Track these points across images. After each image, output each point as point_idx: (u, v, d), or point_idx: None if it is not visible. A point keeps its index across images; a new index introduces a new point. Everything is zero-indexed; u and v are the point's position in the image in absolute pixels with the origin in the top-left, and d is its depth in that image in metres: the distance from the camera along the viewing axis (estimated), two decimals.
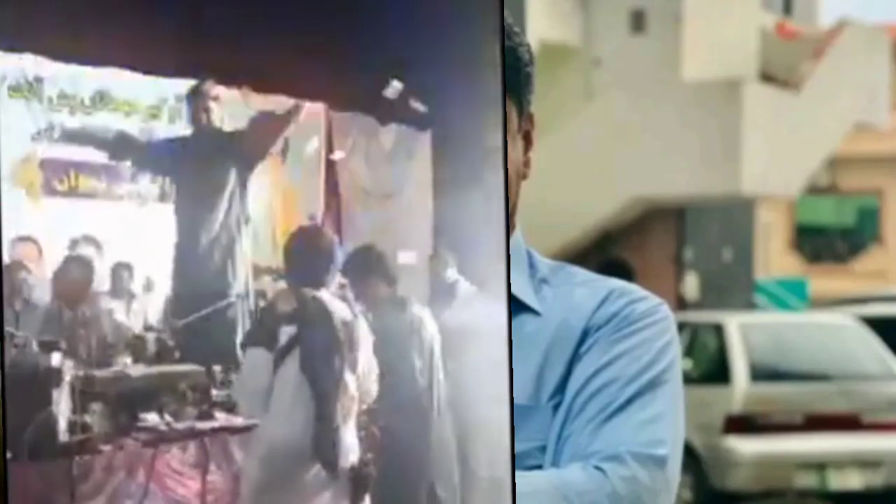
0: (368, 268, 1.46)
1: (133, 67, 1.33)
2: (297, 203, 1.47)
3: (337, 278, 1.45)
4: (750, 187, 18.62)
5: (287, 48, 1.31)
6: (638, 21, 19.66)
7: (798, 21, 23.71)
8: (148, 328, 1.38)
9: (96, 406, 1.34)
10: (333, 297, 1.46)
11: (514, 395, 1.31)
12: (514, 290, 1.58)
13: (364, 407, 1.44)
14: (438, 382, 1.42)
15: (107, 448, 1.35)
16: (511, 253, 1.32)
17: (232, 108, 1.38)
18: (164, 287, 1.37)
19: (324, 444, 1.44)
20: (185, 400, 1.41)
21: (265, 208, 1.43)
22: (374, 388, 1.45)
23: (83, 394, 1.33)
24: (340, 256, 1.46)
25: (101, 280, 1.34)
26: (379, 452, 1.42)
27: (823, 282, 26.47)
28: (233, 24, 1.28)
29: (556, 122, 17.63)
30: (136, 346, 1.38)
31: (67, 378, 1.32)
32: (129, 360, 1.37)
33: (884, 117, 22.17)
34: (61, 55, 1.29)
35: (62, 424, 1.30)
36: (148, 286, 1.37)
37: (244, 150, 1.42)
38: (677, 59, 19.38)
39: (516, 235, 1.95)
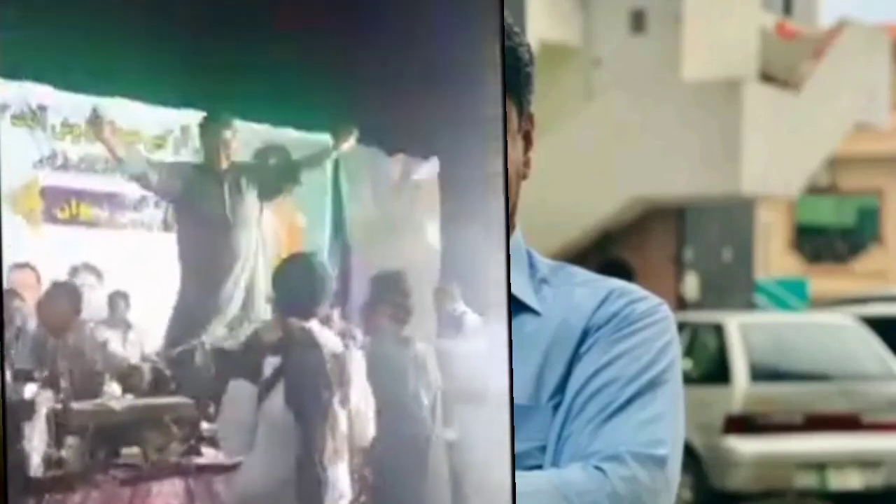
0: (386, 295, 1.41)
1: (138, 97, 1.32)
2: (303, 235, 1.45)
3: (328, 309, 1.41)
4: (750, 187, 18.62)
5: (294, 75, 1.31)
6: (638, 21, 19.65)
7: (798, 21, 23.70)
8: (144, 359, 1.35)
9: (73, 440, 1.29)
10: (323, 328, 1.40)
11: (514, 395, 1.31)
12: (514, 290, 1.58)
13: (359, 446, 1.38)
14: (438, 421, 1.39)
15: (82, 486, 1.29)
16: (511, 253, 1.32)
17: (243, 140, 1.37)
18: (163, 317, 1.35)
19: (308, 486, 1.37)
20: (169, 434, 1.35)
21: (270, 239, 1.41)
22: (370, 426, 1.39)
23: (60, 427, 1.28)
24: (333, 286, 1.42)
25: (99, 309, 1.32)
26: (374, 495, 1.37)
27: (823, 282, 26.46)
28: (237, 54, 1.28)
29: (556, 122, 17.62)
30: (129, 377, 1.34)
31: (43, 410, 1.27)
32: (117, 391, 1.33)
33: (884, 117, 22.16)
34: (65, 84, 1.28)
35: (35, 459, 1.25)
36: (147, 316, 1.35)
37: (253, 182, 1.40)
38: (677, 59, 19.37)
39: (516, 235, 1.95)
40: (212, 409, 1.36)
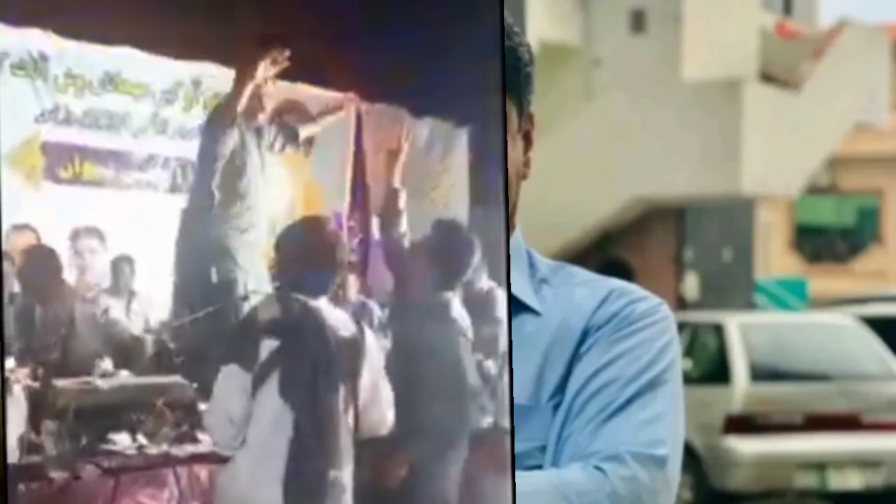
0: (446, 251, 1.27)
1: (147, 48, 1.23)
2: (321, 199, 1.34)
3: (341, 282, 1.27)
4: (750, 187, 18.62)
5: (311, 35, 1.24)
6: (638, 21, 19.65)
7: (798, 21, 23.70)
8: (148, 330, 1.25)
9: (52, 424, 1.17)
10: (334, 308, 1.25)
11: (514, 395, 1.31)
12: (514, 290, 1.58)
13: (369, 445, 1.25)
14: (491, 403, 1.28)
15: (60, 475, 1.16)
16: (511, 253, 1.32)
17: (262, 96, 1.28)
18: (170, 285, 1.25)
19: (302, 491, 1.24)
20: (162, 419, 1.22)
21: (286, 204, 1.31)
22: (387, 416, 1.26)
23: (38, 407, 1.16)
24: (346, 257, 1.27)
25: (101, 274, 1.23)
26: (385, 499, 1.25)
27: (823, 282, 26.46)
28: (256, 7, 1.21)
29: (556, 122, 17.62)
30: (130, 350, 1.24)
31: (17, 389, 1.15)
32: (109, 367, 1.23)
33: (884, 117, 22.16)
34: (70, 32, 1.19)
35: (10, 443, 1.12)
36: (152, 284, 1.26)
37: (267, 140, 1.31)
38: (677, 59, 19.37)
39: (516, 235, 1.95)
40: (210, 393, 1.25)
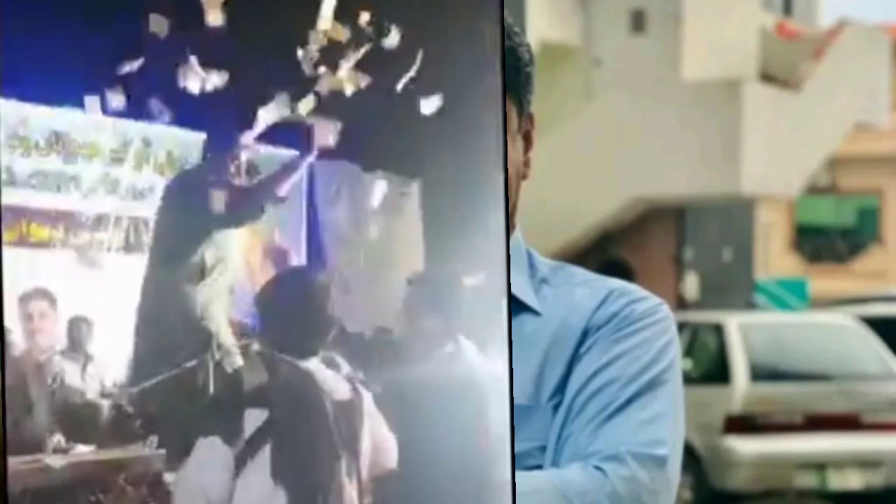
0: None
1: (94, 108, 1.20)
2: (279, 257, 1.29)
3: (332, 343, 1.16)
4: (750, 187, 18.62)
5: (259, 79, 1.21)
6: (638, 21, 19.65)
7: (798, 21, 23.70)
8: (104, 394, 1.17)
9: None
10: (325, 368, 1.15)
11: (514, 395, 1.31)
12: (514, 290, 1.58)
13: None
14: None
15: None
16: (511, 253, 1.32)
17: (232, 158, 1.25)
18: (128, 346, 1.19)
19: None
20: (124, 498, 1.11)
21: (242, 260, 1.25)
22: (395, 481, 1.17)
23: None
24: (336, 311, 1.18)
25: (53, 338, 1.17)
26: None
27: (823, 282, 26.47)
28: (204, 61, 1.20)
29: (556, 122, 17.62)
30: (84, 417, 1.15)
31: None
32: (61, 442, 1.14)
33: (884, 117, 22.16)
34: (10, 92, 1.16)
35: None
36: (107, 346, 1.19)
37: (224, 200, 1.26)
38: (677, 59, 19.37)
39: (516, 235, 1.95)
40: (181, 466, 1.14)
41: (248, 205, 1.26)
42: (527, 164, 1.93)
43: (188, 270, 1.22)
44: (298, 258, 1.27)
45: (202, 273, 1.22)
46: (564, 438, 1.84)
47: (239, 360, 1.18)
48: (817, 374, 12.66)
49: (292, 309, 1.20)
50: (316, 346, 1.17)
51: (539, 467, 1.83)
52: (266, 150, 1.27)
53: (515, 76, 1.87)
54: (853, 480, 12.20)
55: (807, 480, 12.13)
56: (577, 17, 19.66)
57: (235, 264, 1.24)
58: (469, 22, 1.28)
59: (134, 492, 1.13)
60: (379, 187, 1.28)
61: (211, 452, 1.14)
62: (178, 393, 1.16)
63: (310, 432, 1.16)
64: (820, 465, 12.11)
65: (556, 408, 1.86)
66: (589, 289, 1.93)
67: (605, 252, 19.24)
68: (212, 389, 1.17)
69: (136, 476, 1.14)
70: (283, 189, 1.28)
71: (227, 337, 1.20)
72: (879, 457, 12.24)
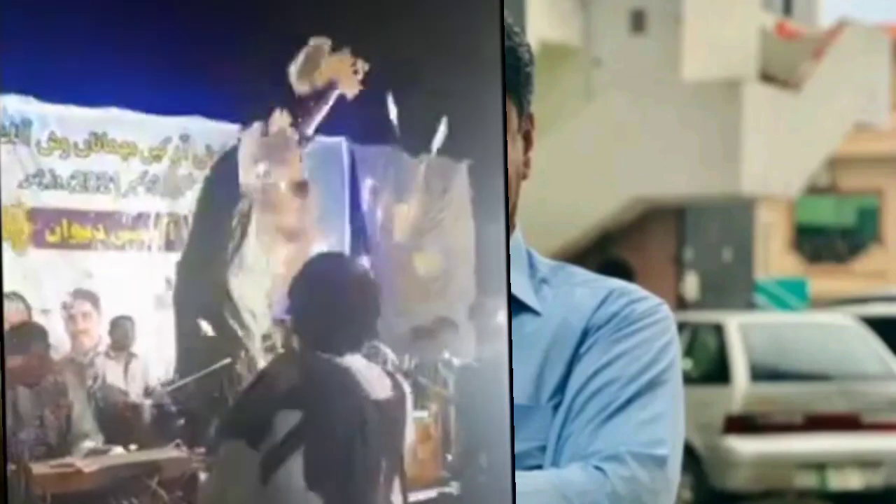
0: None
1: (131, 106, 1.21)
2: (318, 248, 1.26)
3: (375, 336, 1.06)
4: (750, 187, 18.62)
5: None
6: (638, 21, 19.65)
7: (798, 21, 23.70)
8: (148, 393, 1.15)
9: None
10: (370, 365, 1.06)
11: (514, 395, 1.31)
12: (514, 290, 1.58)
13: None
14: None
15: None
16: (511, 253, 1.32)
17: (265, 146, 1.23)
18: (169, 345, 1.18)
19: None
20: (156, 500, 1.06)
21: (279, 253, 1.23)
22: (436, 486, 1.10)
23: (9, 500, 1.04)
24: (380, 303, 1.09)
25: (95, 339, 1.16)
26: None
27: (823, 282, 26.47)
28: (240, 57, 1.20)
29: (556, 122, 17.62)
30: (127, 419, 1.12)
31: None
32: (99, 443, 1.11)
33: (884, 117, 22.16)
34: (51, 95, 1.17)
35: None
36: (149, 345, 1.19)
37: (260, 190, 1.25)
38: (677, 59, 19.36)
39: (516, 235, 1.95)
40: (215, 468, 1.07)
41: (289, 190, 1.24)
42: (527, 164, 1.93)
43: (226, 263, 1.21)
44: (341, 247, 1.23)
45: (240, 266, 1.21)
46: (564, 438, 1.84)
47: (274, 358, 1.13)
48: (817, 374, 12.65)
49: (332, 302, 1.14)
50: (359, 340, 1.09)
51: (539, 467, 1.83)
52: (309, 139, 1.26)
53: (515, 76, 1.87)
54: (853, 480, 12.20)
55: (807, 480, 12.13)
56: (577, 17, 19.65)
57: (276, 256, 1.22)
58: (469, 22, 1.28)
59: (168, 496, 1.10)
60: (423, 170, 1.27)
61: (237, 456, 1.08)
62: (215, 391, 1.13)
63: (347, 435, 1.09)
64: (820, 465, 12.11)
65: (556, 408, 1.86)
66: (589, 289, 1.93)
67: (605, 252, 19.23)
68: (247, 388, 1.13)
69: (170, 479, 1.10)
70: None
71: (264, 332, 1.17)
72: (879, 457, 12.24)
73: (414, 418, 1.11)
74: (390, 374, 1.11)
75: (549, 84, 16.33)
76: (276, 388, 1.08)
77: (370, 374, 1.08)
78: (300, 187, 1.26)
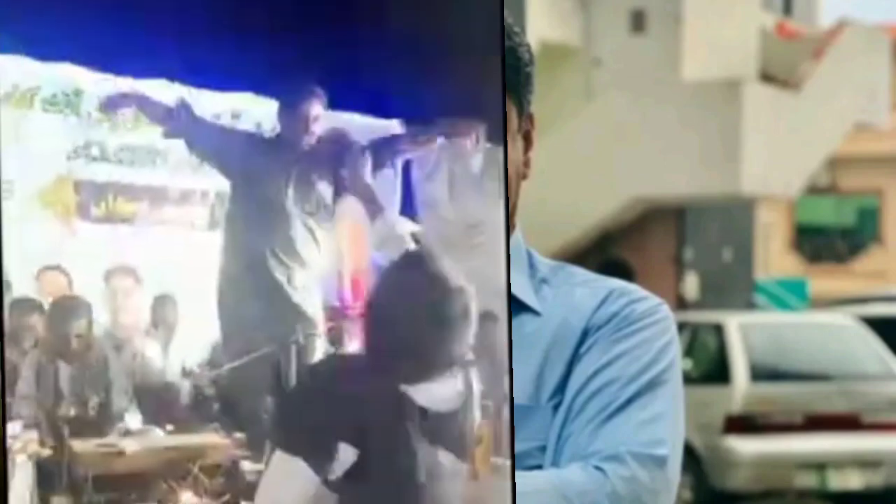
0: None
1: (183, 78, 1.17)
2: (367, 239, 1.22)
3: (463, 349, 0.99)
4: (750, 187, 18.62)
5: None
6: (638, 21, 19.65)
7: (798, 21, 23.70)
8: (186, 373, 1.11)
9: (63, 499, 1.00)
10: (451, 379, 0.98)
11: (514, 395, 1.31)
12: (514, 290, 1.58)
13: None
14: None
15: None
16: (511, 253, 1.32)
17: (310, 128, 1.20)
18: (211, 326, 1.14)
19: None
20: (197, 487, 1.02)
21: (330, 243, 1.20)
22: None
23: (48, 477, 1.00)
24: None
25: (136, 317, 1.13)
26: None
27: (823, 282, 26.47)
28: (295, 36, 1.17)
29: (556, 122, 17.62)
30: (165, 399, 1.08)
31: (23, 457, 0.99)
32: (137, 422, 1.08)
33: (884, 117, 22.16)
34: (103, 65, 1.13)
35: None
36: (191, 325, 1.15)
37: (314, 175, 1.21)
38: (677, 59, 19.36)
39: (516, 235, 1.95)
40: (262, 454, 1.03)
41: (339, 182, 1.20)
42: (527, 164, 1.93)
43: (279, 249, 1.17)
44: (391, 241, 1.19)
45: (295, 253, 1.17)
46: (564, 438, 1.84)
47: (324, 352, 1.09)
48: (817, 374, 12.65)
49: (422, 327, 1.06)
50: (455, 351, 1.01)
51: (539, 467, 1.83)
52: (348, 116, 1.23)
53: (515, 76, 1.87)
54: (853, 480, 12.20)
55: (807, 480, 12.12)
56: (577, 17, 19.65)
57: (331, 245, 1.18)
58: (469, 22, 1.28)
59: (209, 482, 1.06)
60: (479, 159, 1.23)
61: (288, 472, 1.02)
62: (259, 379, 1.08)
63: (408, 452, 1.03)
64: (820, 465, 12.11)
65: (556, 408, 1.86)
66: (589, 289, 1.93)
67: (605, 252, 19.23)
68: (294, 381, 1.08)
69: (211, 465, 1.07)
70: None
71: (317, 325, 1.13)
72: (879, 457, 12.24)
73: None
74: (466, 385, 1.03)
75: (549, 84, 16.32)
76: (335, 391, 1.02)
77: (441, 391, 0.99)
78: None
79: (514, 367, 1.30)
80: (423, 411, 1.01)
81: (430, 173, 1.22)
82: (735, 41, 20.12)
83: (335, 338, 1.11)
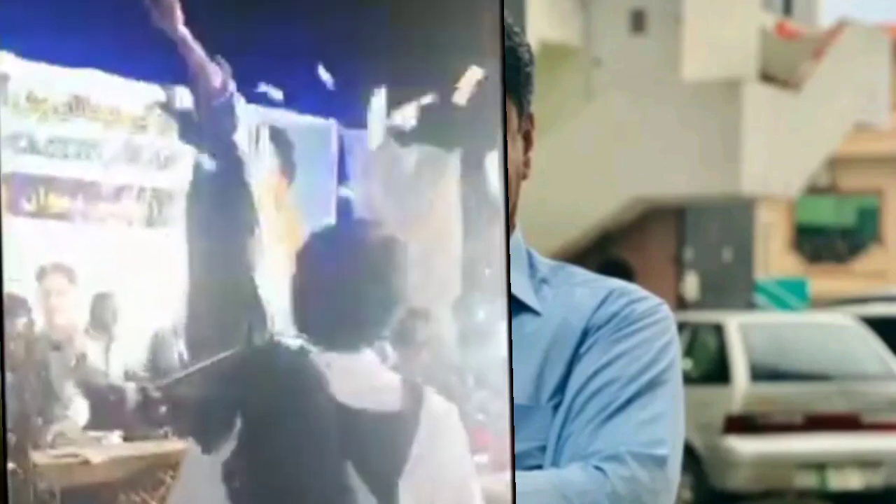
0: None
1: (116, 69, 1.13)
2: (304, 232, 1.20)
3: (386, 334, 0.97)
4: (750, 187, 18.62)
5: (287, 53, 1.17)
6: (638, 21, 19.65)
7: (798, 21, 23.71)
8: (129, 377, 1.06)
9: None
10: (383, 369, 0.98)
11: (515, 395, 1.31)
12: (514, 290, 1.58)
13: None
14: None
15: None
16: (511, 253, 1.32)
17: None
18: (151, 327, 1.10)
19: None
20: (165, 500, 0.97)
21: (267, 237, 1.17)
22: None
23: (16, 495, 0.95)
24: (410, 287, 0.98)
25: (72, 318, 1.08)
26: None
27: (823, 282, 26.48)
28: (233, 25, 1.16)
29: (556, 122, 17.62)
30: (109, 402, 1.03)
31: None
32: (97, 432, 1.03)
33: (884, 117, 22.16)
34: (33, 52, 1.08)
35: None
36: (130, 326, 1.10)
37: (248, 169, 1.19)
38: (677, 59, 19.37)
39: (516, 235, 1.95)
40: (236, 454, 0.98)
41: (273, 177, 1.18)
42: (527, 164, 1.93)
43: (208, 247, 1.14)
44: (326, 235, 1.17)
45: (225, 250, 1.14)
46: (564, 438, 1.84)
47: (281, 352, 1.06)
48: (817, 374, 12.65)
49: (337, 289, 1.04)
50: (368, 334, 1.01)
51: (539, 467, 1.83)
52: (293, 116, 1.20)
53: (515, 76, 1.87)
54: (853, 480, 12.20)
55: (807, 480, 12.13)
56: (577, 17, 19.65)
57: (259, 244, 1.16)
58: (469, 22, 1.28)
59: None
60: (411, 160, 1.22)
61: (196, 462, 1.02)
62: (210, 382, 1.05)
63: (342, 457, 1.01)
64: (820, 465, 12.11)
65: (556, 408, 1.86)
66: (589, 289, 1.93)
67: (605, 252, 19.23)
68: (245, 382, 1.06)
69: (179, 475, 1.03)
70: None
71: (269, 326, 1.10)
72: (879, 457, 12.24)
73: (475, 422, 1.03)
74: (409, 383, 1.02)
75: (549, 84, 16.33)
76: (254, 394, 1.01)
77: (387, 381, 1.00)
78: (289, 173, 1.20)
79: (514, 367, 1.30)
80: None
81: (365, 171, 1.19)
82: (735, 41, 20.12)
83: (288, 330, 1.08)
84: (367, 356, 0.97)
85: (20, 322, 1.04)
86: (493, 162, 1.28)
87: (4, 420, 1.05)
